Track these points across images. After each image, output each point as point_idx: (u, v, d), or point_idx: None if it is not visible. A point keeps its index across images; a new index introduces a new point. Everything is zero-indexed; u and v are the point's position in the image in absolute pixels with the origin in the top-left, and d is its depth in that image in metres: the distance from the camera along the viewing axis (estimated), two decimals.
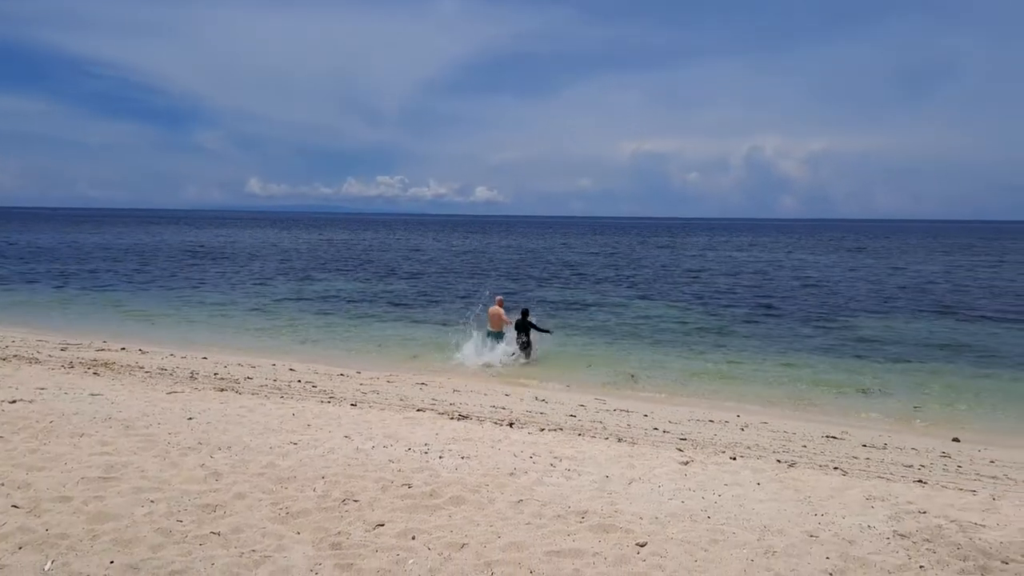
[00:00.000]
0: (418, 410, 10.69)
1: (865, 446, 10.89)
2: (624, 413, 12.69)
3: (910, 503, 6.86)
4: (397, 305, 29.57)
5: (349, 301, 30.37)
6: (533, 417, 11.21)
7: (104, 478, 6.51)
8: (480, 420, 10.11)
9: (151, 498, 6.05)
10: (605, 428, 10.50)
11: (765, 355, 19.94)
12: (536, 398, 14.03)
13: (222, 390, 11.77)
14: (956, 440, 12.28)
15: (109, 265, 46.21)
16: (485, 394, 14.17)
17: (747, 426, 12.15)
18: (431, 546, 5.38)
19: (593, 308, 29.31)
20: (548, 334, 20.03)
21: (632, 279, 41.80)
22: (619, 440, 9.28)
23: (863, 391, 16.04)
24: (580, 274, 45.15)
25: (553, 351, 20.22)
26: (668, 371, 18.00)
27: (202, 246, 70.73)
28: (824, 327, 24.58)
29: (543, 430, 9.66)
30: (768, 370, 18.12)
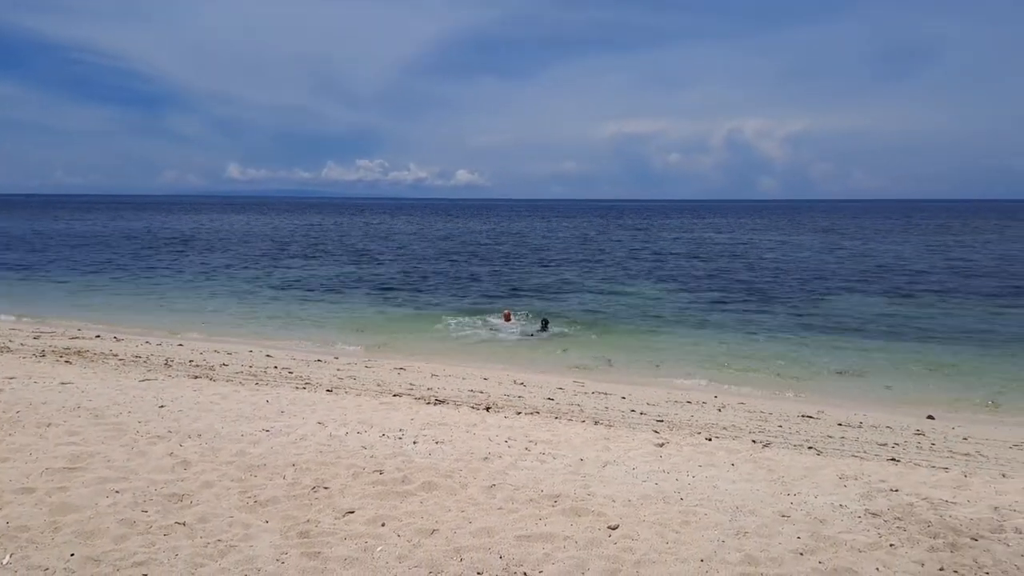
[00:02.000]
0: (395, 395, 10.61)
1: (840, 425, 10.95)
2: (602, 396, 12.68)
3: (882, 481, 6.90)
4: (378, 289, 29.40)
5: (328, 286, 30.17)
6: (511, 401, 11.17)
7: (69, 468, 6.39)
8: (457, 405, 10.05)
9: (116, 488, 5.94)
10: (582, 411, 10.48)
11: (741, 337, 20.01)
12: (515, 382, 14.00)
13: (196, 377, 11.63)
14: (931, 418, 12.39)
15: (83, 253, 45.59)
16: (463, 378, 14.12)
17: (724, 407, 12.18)
18: (400, 532, 5.32)
19: (568, 291, 29.30)
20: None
21: (608, 261, 41.82)
22: (596, 423, 9.27)
23: (839, 372, 16.14)
24: (550, 258, 45.12)
25: (528, 336, 20.23)
26: (644, 354, 18.02)
27: (180, 232, 69.99)
28: (797, 308, 24.72)
29: (520, 414, 9.63)
30: (744, 351, 18.18)
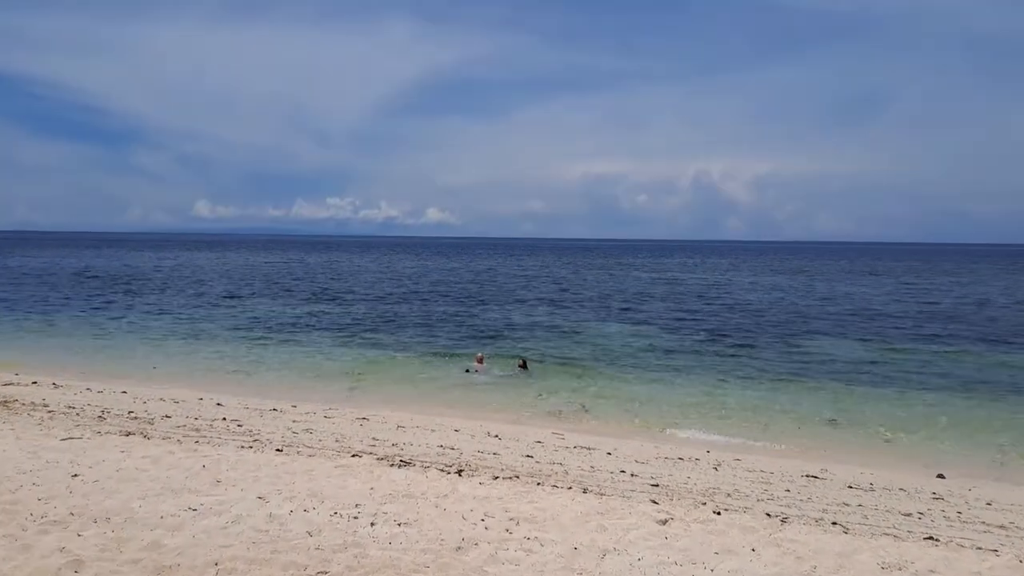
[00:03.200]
0: (354, 455, 9.31)
1: (851, 487, 9.88)
2: (585, 451, 11.49)
3: (932, 572, 5.79)
4: (342, 329, 27.97)
5: (290, 327, 28.63)
6: (485, 459, 9.93)
7: None
8: (424, 467, 8.79)
9: None
10: (567, 473, 9.26)
11: (722, 382, 18.99)
12: (489, 434, 12.75)
13: (129, 434, 10.21)
14: (941, 477, 11.39)
15: (44, 291, 43.48)
16: (432, 430, 12.84)
17: (720, 464, 11.05)
18: None
19: (539, 332, 28.16)
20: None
21: (580, 302, 40.75)
22: (584, 490, 8.05)
23: (830, 420, 15.13)
24: (521, 298, 44.07)
25: (497, 381, 19.06)
26: (622, 401, 16.92)
27: (138, 270, 67.79)
28: (777, 351, 23.79)
29: (497, 478, 8.39)
30: (727, 398, 17.14)
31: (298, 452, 9.40)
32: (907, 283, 57.62)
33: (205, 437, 10.40)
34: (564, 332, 27.88)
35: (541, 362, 21.42)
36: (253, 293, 43.28)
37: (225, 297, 40.12)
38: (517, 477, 8.43)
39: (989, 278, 64.91)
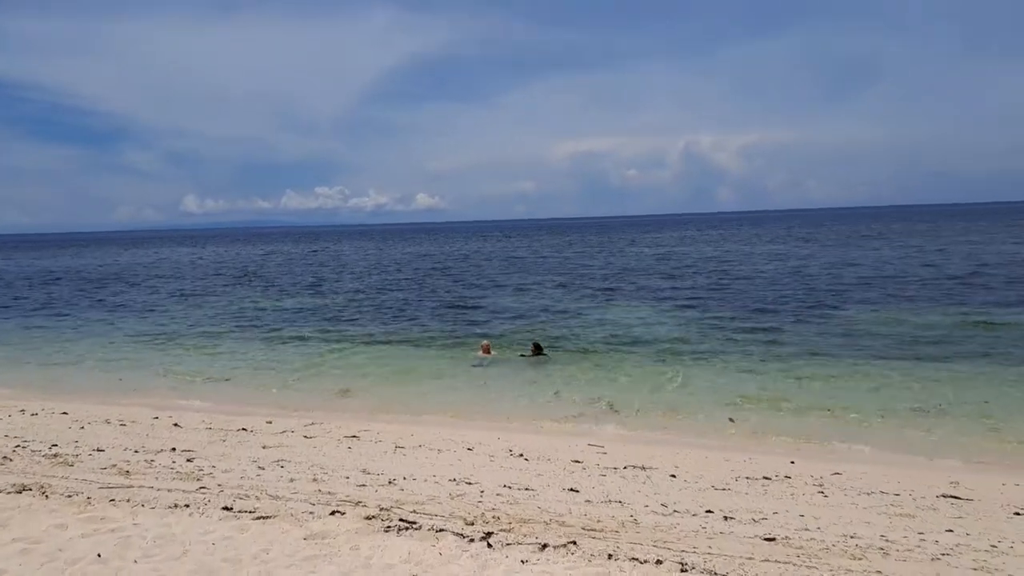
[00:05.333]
0: (333, 512, 6.56)
1: (1019, 514, 7.21)
2: (641, 474, 8.79)
3: None
4: (331, 322, 25.14)
5: (272, 321, 25.80)
6: (518, 502, 7.20)
7: None
8: (436, 530, 6.04)
9: None
10: (637, 523, 6.54)
11: (758, 364, 16.37)
12: (511, 452, 10.04)
13: (23, 490, 7.42)
14: None
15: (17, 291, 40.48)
16: (439, 450, 10.13)
17: (822, 484, 8.37)
18: None
19: (544, 315, 25.41)
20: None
21: (581, 282, 37.88)
22: (683, 568, 5.29)
23: (915, 410, 12.47)
24: (520, 281, 41.30)
25: (508, 374, 16.42)
26: (649, 392, 14.41)
27: (115, 268, 64.68)
28: (814, 326, 21.07)
29: (545, 547, 5.65)
30: (772, 384, 14.56)
31: (255, 510, 6.64)
32: (940, 245, 54.98)
33: (132, 487, 7.63)
34: (572, 315, 25.16)
35: (554, 349, 18.74)
36: (236, 287, 40.36)
37: (206, 294, 37.20)
38: (575, 544, 5.68)
39: (1008, 235, 62.29)
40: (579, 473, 8.77)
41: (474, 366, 17.72)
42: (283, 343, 21.31)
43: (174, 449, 9.94)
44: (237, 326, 24.86)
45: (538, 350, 18.28)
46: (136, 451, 9.82)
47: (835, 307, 24.18)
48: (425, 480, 8.20)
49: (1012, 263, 35.70)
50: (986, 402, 12.69)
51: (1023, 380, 14.13)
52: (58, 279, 51.05)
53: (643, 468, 9.07)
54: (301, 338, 22.02)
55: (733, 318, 22.70)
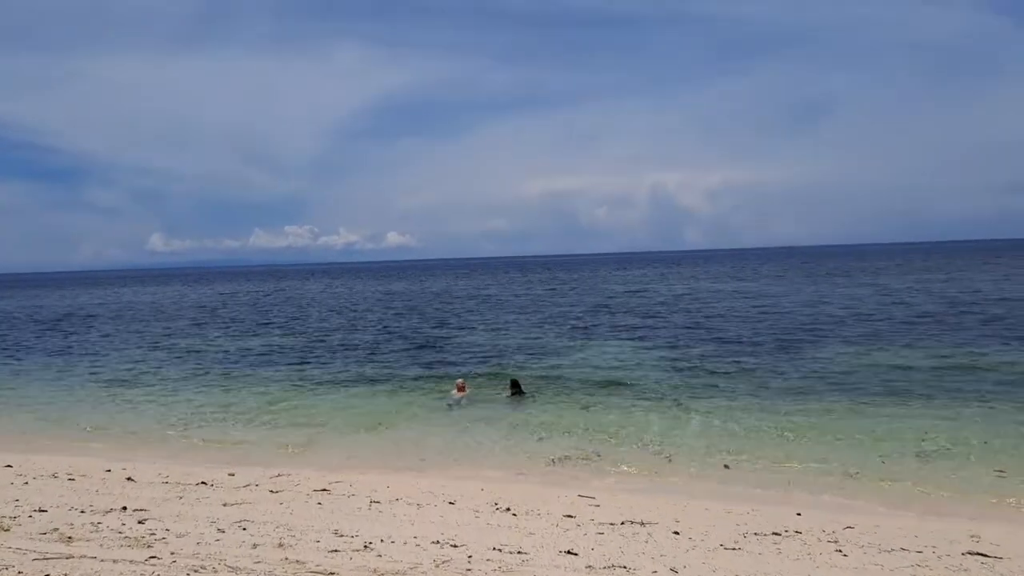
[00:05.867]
0: None
1: None
2: (641, 530, 8.07)
3: None
4: (299, 363, 24.13)
5: (238, 362, 24.74)
6: (511, 573, 6.42)
7: None
8: None
9: None
10: None
11: (754, 403, 15.81)
12: (497, 506, 9.26)
13: None
14: None
15: None
16: (419, 505, 9.31)
17: (838, 540, 7.71)
18: None
19: (518, 353, 24.73)
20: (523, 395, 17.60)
21: (555, 319, 37.24)
22: None
23: (919, 455, 11.92)
24: (493, 318, 40.60)
25: (486, 416, 15.70)
26: (636, 435, 13.80)
27: (72, 308, 62.71)
28: (788, 363, 20.63)
29: None
30: (764, 428, 13.92)
31: None
32: (883, 284, 55.36)
33: (73, 557, 6.72)
34: (550, 353, 24.50)
35: (534, 389, 18.05)
36: (197, 328, 39.04)
37: (166, 335, 35.89)
38: None
39: (973, 272, 63.03)
40: (574, 531, 8.02)
41: (450, 405, 17.01)
42: (247, 386, 20.28)
43: (125, 508, 9.01)
44: (198, 368, 23.77)
45: (516, 388, 17.60)
46: (83, 511, 8.88)
47: (813, 345, 23.78)
48: (405, 543, 7.38)
49: (984, 302, 35.81)
50: (985, 442, 12.21)
51: (1018, 421, 13.70)
52: (14, 318, 49.23)
53: (642, 524, 8.35)
54: (266, 380, 21.03)
55: (714, 357, 22.16)
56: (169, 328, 39.23)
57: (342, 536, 7.67)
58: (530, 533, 7.86)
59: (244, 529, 7.97)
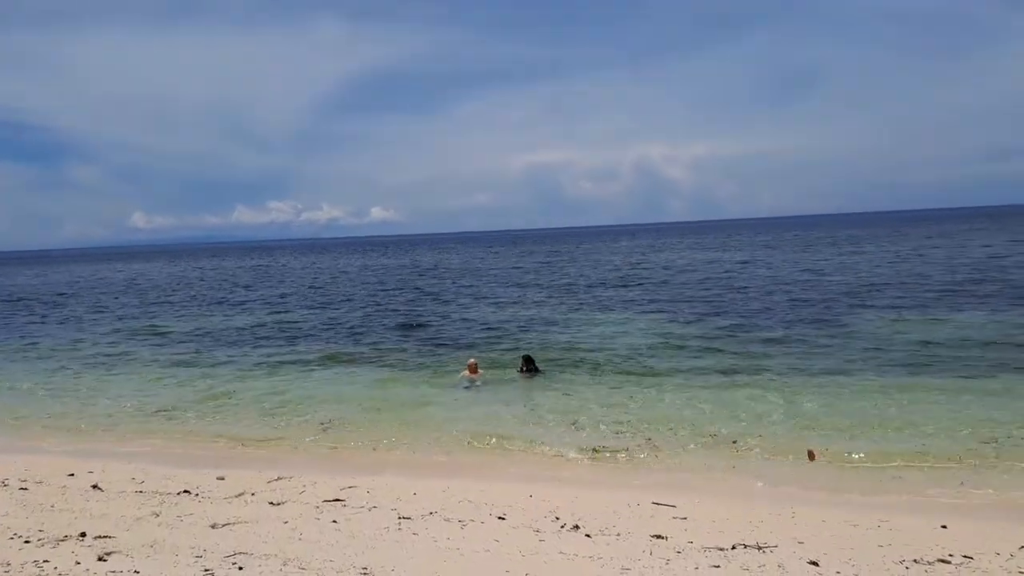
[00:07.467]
0: None
1: None
2: (765, 560, 6.15)
3: None
4: (294, 343, 21.93)
5: (230, 344, 22.50)
6: None
7: None
8: None
9: None
10: None
11: (802, 385, 13.87)
12: (559, 521, 7.31)
13: None
14: None
15: None
16: (461, 523, 7.34)
17: (952, 561, 5.83)
18: None
19: (530, 328, 22.76)
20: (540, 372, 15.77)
21: (556, 292, 35.15)
22: None
23: (989, 440, 10.11)
24: (495, 292, 38.57)
25: (507, 399, 13.79)
26: (687, 421, 11.91)
27: (53, 286, 59.96)
28: (837, 334, 18.78)
29: None
30: (832, 408, 12.10)
31: None
32: (894, 249, 53.75)
33: None
34: (558, 327, 22.54)
35: (549, 366, 16.17)
36: (177, 306, 36.68)
37: (144, 314, 33.52)
38: None
39: (971, 239, 61.53)
40: (678, 562, 6.09)
41: (465, 388, 15.07)
42: (233, 370, 18.09)
43: (84, 535, 6.99)
44: (178, 350, 21.52)
45: (530, 365, 15.69)
46: (28, 540, 6.88)
47: (849, 315, 21.90)
48: None
49: (1001, 268, 34.14)
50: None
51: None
52: None
53: (759, 548, 6.43)
54: (253, 363, 18.87)
55: (744, 330, 20.26)
56: (145, 307, 36.84)
57: (365, 573, 5.69)
58: (624, 569, 5.91)
59: (240, 569, 5.97)
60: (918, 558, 6.14)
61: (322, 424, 12.65)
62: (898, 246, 58.18)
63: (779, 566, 5.97)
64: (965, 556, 6.17)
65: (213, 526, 7.31)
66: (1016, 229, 75.94)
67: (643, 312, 25.20)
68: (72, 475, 9.88)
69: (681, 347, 18.28)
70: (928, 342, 17.03)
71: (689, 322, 22.11)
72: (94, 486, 9.20)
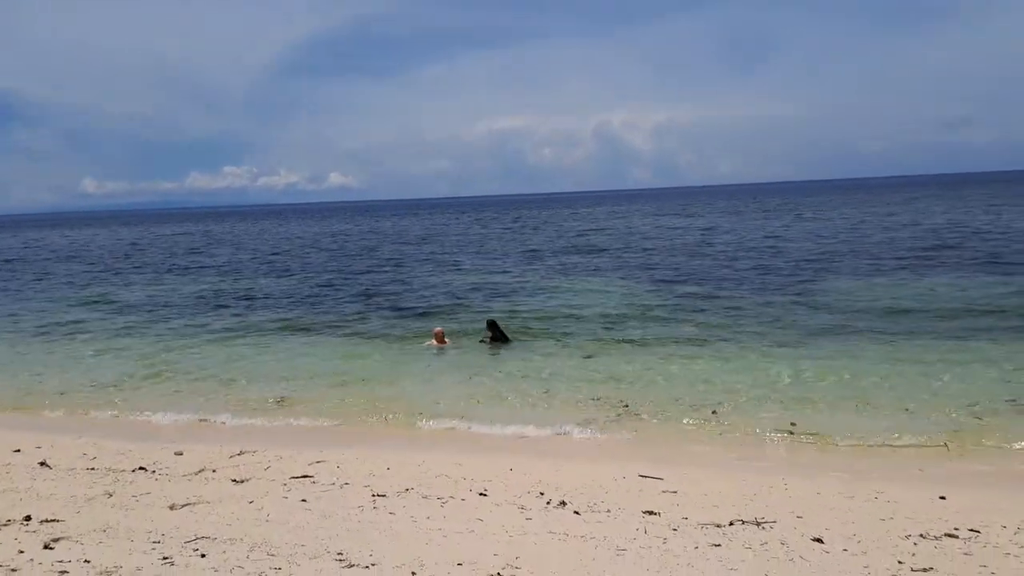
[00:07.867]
0: None
1: None
2: (767, 537, 5.83)
3: None
4: (241, 309, 21.22)
5: (184, 311, 21.64)
6: None
7: None
8: None
9: None
10: None
11: (780, 352, 13.70)
12: (544, 497, 6.93)
13: None
14: None
15: None
16: (440, 500, 6.91)
17: (959, 535, 5.60)
18: None
19: (493, 295, 22.34)
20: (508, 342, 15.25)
21: (520, 259, 34.69)
22: None
23: (1009, 402, 10.02)
24: (457, 259, 38.02)
25: (477, 367, 13.39)
26: (662, 387, 11.74)
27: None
28: (804, 298, 18.73)
29: None
30: (813, 375, 11.98)
31: None
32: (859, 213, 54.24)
33: None
34: (526, 293, 22.19)
35: (513, 335, 15.74)
36: (139, 272, 35.41)
37: (92, 282, 32.26)
38: None
39: (932, 206, 62.51)
40: (675, 540, 5.74)
41: (433, 356, 14.66)
42: (189, 337, 17.35)
43: (28, 519, 6.39)
44: (132, 319, 20.64)
45: (496, 331, 15.25)
46: None
47: (809, 284, 21.74)
48: (449, 575, 4.99)
49: (973, 234, 34.59)
50: None
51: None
52: None
53: (758, 524, 6.11)
54: (210, 331, 18.12)
55: (711, 296, 20.10)
56: (95, 273, 35.47)
57: (351, 565, 5.23)
58: (620, 550, 5.54)
59: (202, 556, 5.45)
60: (924, 532, 5.87)
61: (283, 396, 12.08)
62: (863, 212, 58.80)
63: (782, 543, 5.65)
64: (972, 530, 5.91)
65: (172, 507, 6.76)
66: (970, 197, 77.33)
67: (610, 279, 24.90)
68: (18, 451, 9.22)
69: (650, 315, 18.00)
70: (898, 310, 16.97)
71: (658, 290, 21.82)
72: (42, 463, 8.56)
